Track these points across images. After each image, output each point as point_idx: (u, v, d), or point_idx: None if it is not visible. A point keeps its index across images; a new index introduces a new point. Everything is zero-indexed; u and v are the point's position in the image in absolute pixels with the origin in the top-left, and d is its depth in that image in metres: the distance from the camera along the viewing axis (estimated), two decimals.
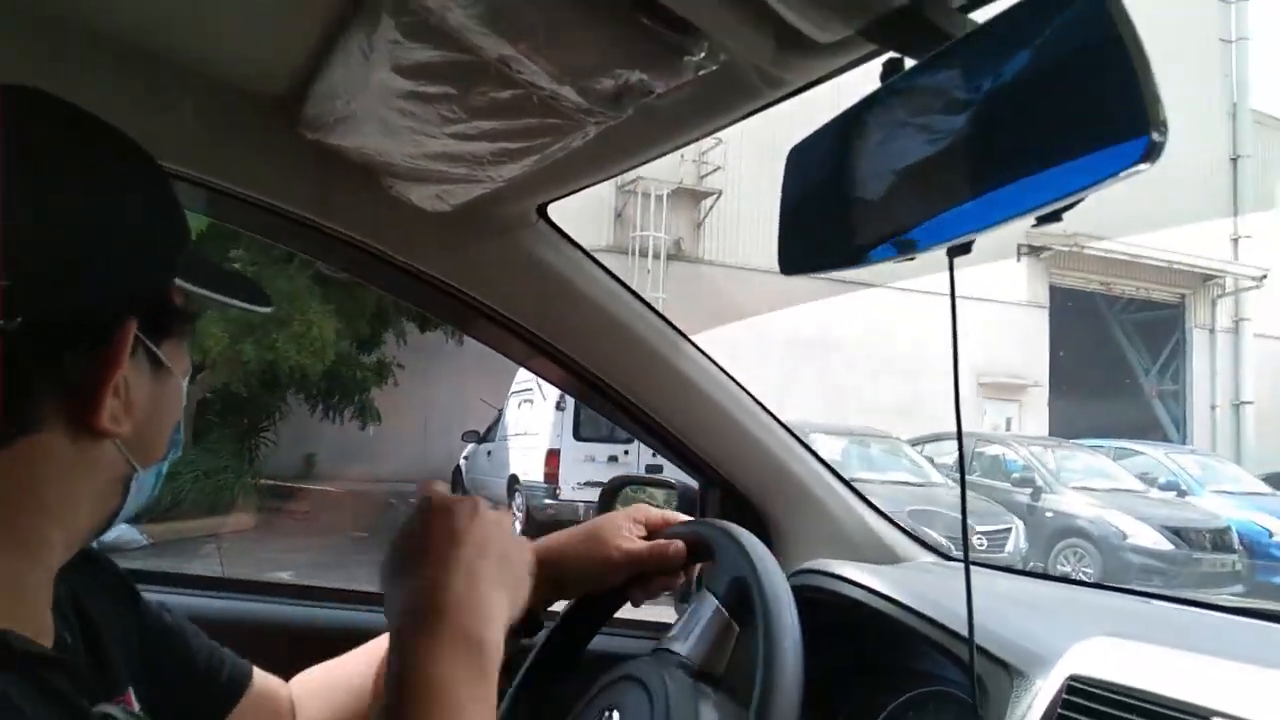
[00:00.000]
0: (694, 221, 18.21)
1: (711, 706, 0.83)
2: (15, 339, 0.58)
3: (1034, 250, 19.64)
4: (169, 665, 0.87)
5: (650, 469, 10.07)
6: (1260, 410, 20.81)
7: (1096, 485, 10.73)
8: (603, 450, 10.28)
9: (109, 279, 0.64)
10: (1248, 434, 20.88)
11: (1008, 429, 18.56)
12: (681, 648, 0.89)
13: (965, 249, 0.63)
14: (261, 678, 0.97)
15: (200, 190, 1.14)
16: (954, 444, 11.92)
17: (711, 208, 18.11)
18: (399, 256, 1.24)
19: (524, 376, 11.34)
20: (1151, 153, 0.43)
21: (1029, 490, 10.47)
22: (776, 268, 0.82)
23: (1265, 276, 20.60)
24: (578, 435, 10.34)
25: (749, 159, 15.91)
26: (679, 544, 0.97)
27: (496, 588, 0.73)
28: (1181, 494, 11.34)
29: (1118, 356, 22.34)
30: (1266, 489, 12.20)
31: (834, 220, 0.76)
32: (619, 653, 1.30)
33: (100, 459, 0.67)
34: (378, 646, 1.01)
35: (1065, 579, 1.35)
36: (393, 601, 0.71)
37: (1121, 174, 0.44)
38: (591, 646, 1.08)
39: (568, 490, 10.25)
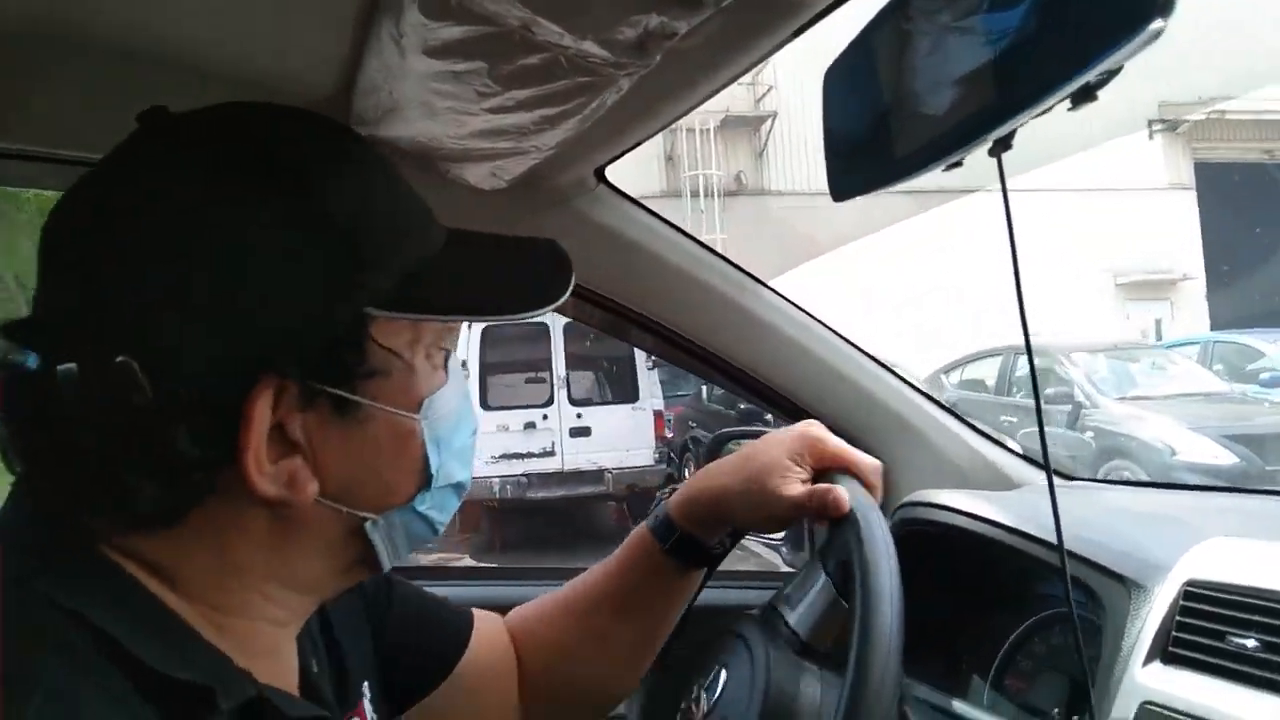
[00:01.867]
0: (754, 150, 17.00)
1: (814, 681, 0.81)
2: (136, 418, 0.54)
3: (1168, 125, 17.19)
4: (390, 622, 0.87)
5: (575, 431, 9.04)
6: None
7: (1154, 393, 9.08)
8: (517, 418, 9.01)
9: (212, 350, 0.55)
10: None
11: (1158, 333, 16.77)
12: (790, 615, 0.87)
13: (1006, 144, 0.60)
14: (482, 621, 0.95)
15: None
16: (988, 363, 10.80)
17: (769, 133, 16.80)
18: None
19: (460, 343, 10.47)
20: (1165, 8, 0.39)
21: (1068, 407, 8.93)
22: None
23: None
24: (485, 404, 8.84)
25: (806, 71, 14.78)
26: (842, 498, 0.81)
27: None
28: None
29: None
30: None
31: (877, 137, 0.73)
32: (732, 605, 1.30)
33: (309, 519, 0.61)
34: (579, 589, 0.97)
35: (1192, 486, 1.28)
36: None
37: (1139, 34, 0.41)
38: (703, 600, 1.08)
39: (480, 465, 8.48)
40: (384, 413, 0.62)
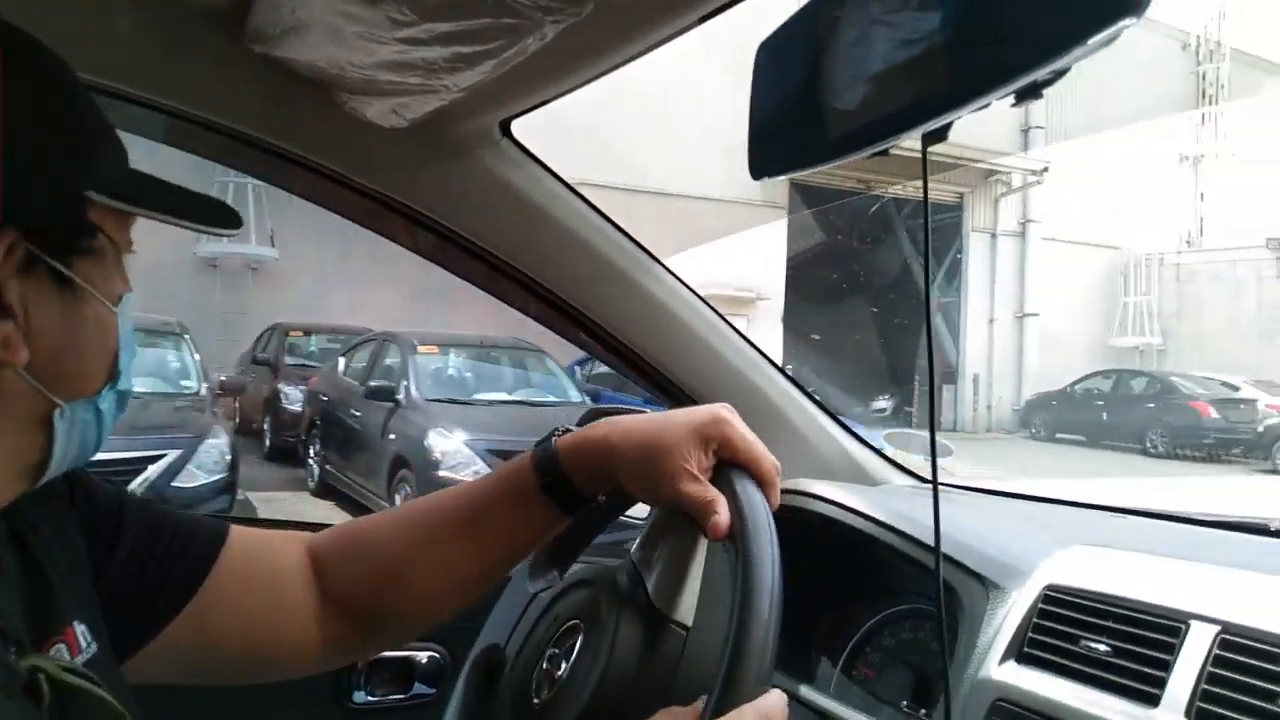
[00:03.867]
0: None
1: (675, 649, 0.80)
2: None
3: None
4: (123, 539, 0.81)
5: None
6: (1049, 323, 19.08)
7: (467, 396, 8.57)
8: None
9: None
10: (1030, 351, 19.35)
11: None
12: (649, 580, 0.84)
13: (941, 135, 0.60)
14: (245, 541, 0.88)
15: (151, 113, 1.10)
16: None
17: None
18: (356, 178, 1.19)
19: None
20: (1139, 4, 0.39)
21: (390, 403, 8.30)
22: None
23: (1046, 169, 18.36)
24: None
25: None
26: (721, 525, 0.76)
27: None
28: None
29: (902, 266, 19.12)
30: None
31: (806, 118, 0.72)
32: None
33: (9, 391, 0.62)
34: (420, 507, 0.92)
35: (1046, 499, 1.34)
36: None
37: (1109, 29, 0.41)
38: None
39: None
40: (93, 297, 0.65)
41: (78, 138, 0.65)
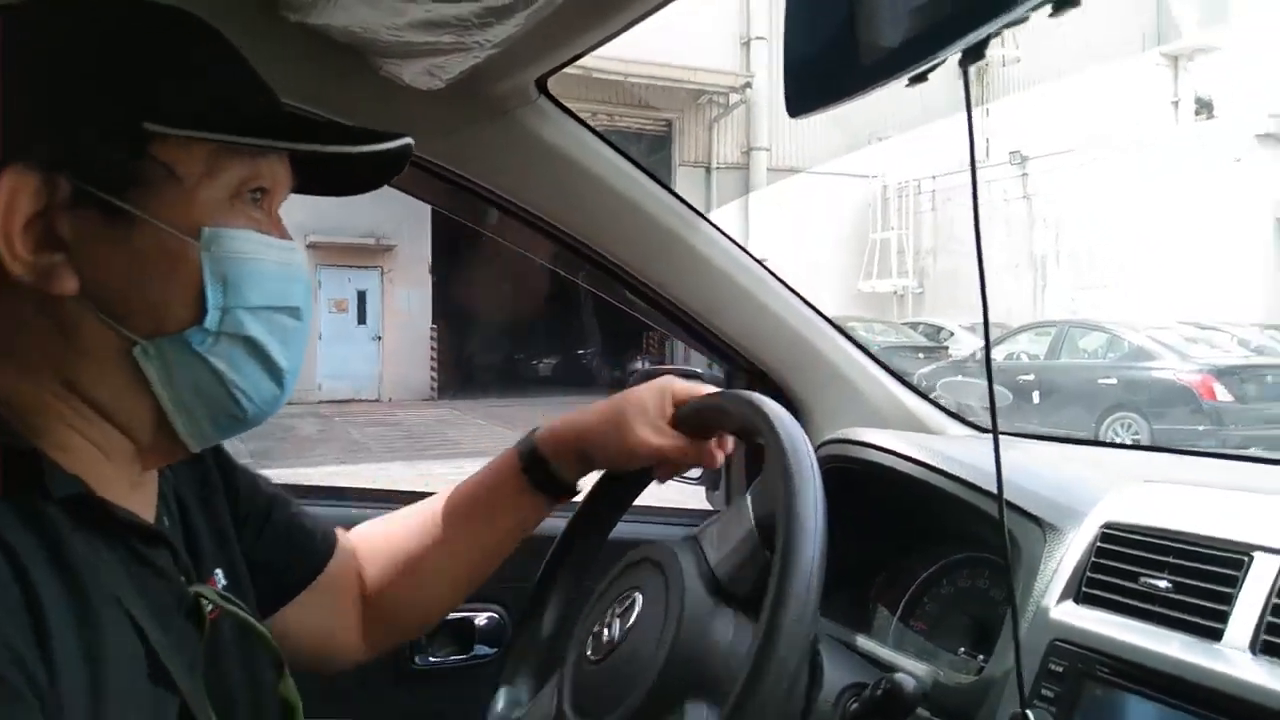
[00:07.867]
0: None
1: (728, 623, 0.79)
2: None
3: None
4: (265, 533, 0.89)
5: None
6: (787, 269, 15.96)
7: None
8: None
9: None
10: None
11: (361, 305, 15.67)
12: (712, 554, 0.84)
13: (978, 53, 0.58)
14: (342, 536, 0.99)
15: None
16: None
17: None
18: None
19: None
20: None
21: None
22: None
23: (749, 84, 15.27)
24: None
25: None
26: (710, 449, 0.95)
27: None
28: None
29: None
30: None
31: (839, 47, 0.70)
32: (648, 539, 1.29)
33: (77, 324, 0.62)
34: (432, 502, 1.01)
35: (1104, 442, 1.31)
36: None
37: None
38: (621, 534, 1.05)
39: None
40: (153, 226, 0.62)
41: (129, 71, 0.64)
